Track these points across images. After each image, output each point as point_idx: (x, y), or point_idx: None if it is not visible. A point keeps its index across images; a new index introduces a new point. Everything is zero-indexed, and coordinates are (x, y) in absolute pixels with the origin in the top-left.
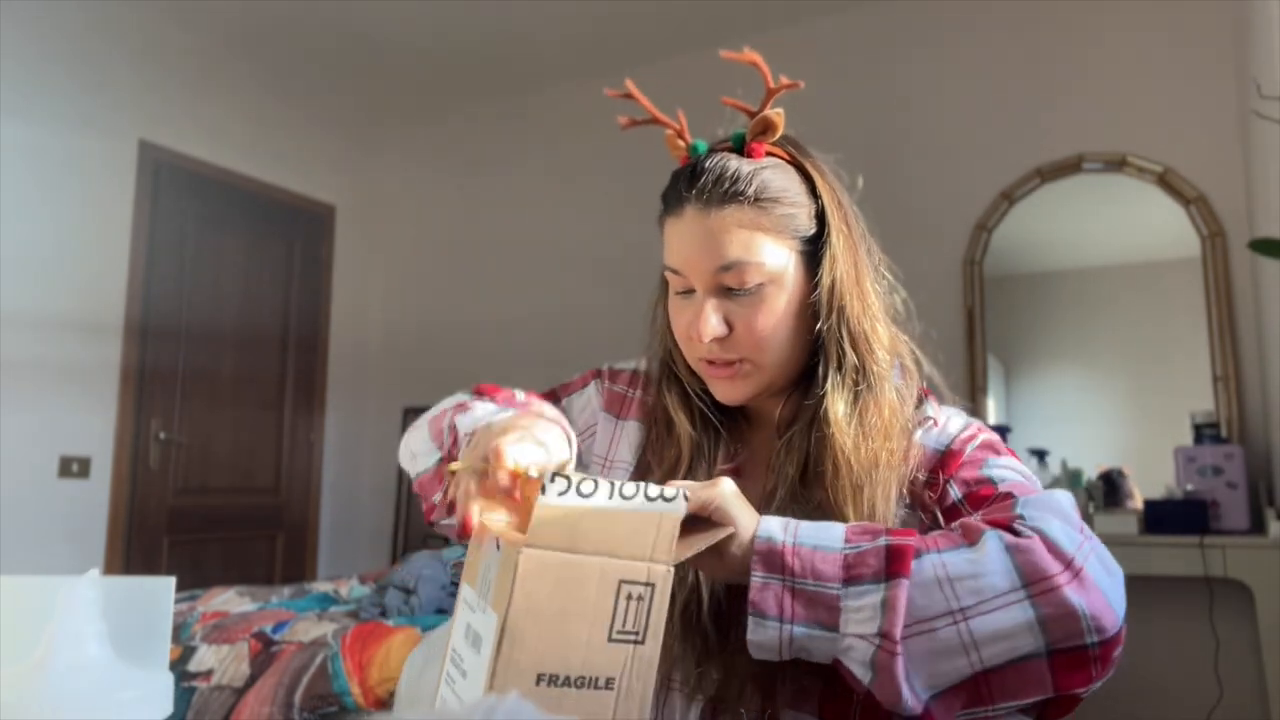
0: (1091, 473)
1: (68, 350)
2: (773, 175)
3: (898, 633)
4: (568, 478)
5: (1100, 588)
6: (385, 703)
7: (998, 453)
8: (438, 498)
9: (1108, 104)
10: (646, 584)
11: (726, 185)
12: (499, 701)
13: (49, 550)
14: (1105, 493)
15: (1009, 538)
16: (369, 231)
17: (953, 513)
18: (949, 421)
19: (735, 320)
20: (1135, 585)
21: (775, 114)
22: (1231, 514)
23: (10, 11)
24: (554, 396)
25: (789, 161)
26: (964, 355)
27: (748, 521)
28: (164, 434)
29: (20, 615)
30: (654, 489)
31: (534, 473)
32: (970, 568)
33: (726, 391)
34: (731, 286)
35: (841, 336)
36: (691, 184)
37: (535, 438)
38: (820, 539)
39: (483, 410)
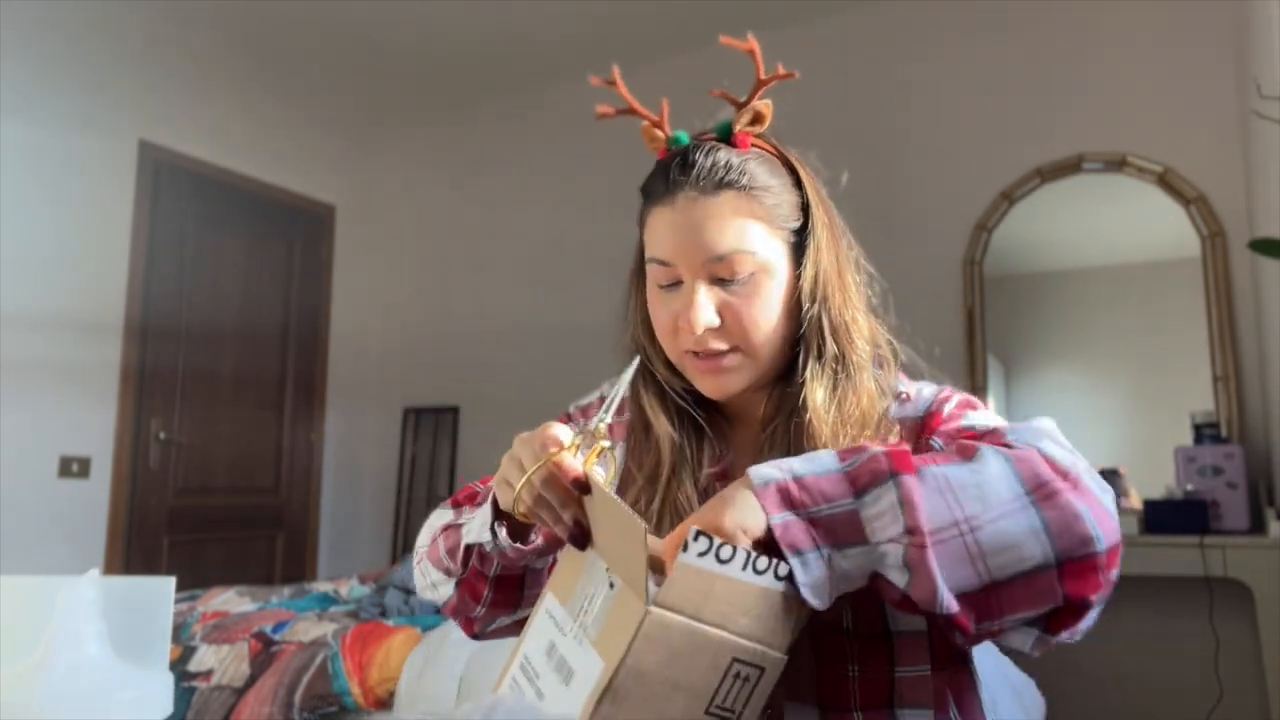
0: None
1: (68, 350)
2: (761, 165)
3: (923, 524)
4: (710, 539)
5: (1098, 497)
6: (385, 703)
7: (975, 408)
8: (480, 610)
9: (1108, 104)
10: (758, 666)
11: (720, 174)
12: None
13: (49, 550)
14: None
15: (1005, 450)
16: (369, 231)
17: None
18: (921, 391)
19: (726, 310)
20: (1135, 585)
21: (765, 105)
22: (1231, 514)
23: (10, 11)
24: None
25: (773, 153)
26: (964, 355)
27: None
28: (164, 434)
29: (20, 615)
30: (784, 567)
31: (603, 427)
32: (972, 477)
33: (715, 385)
34: (723, 276)
35: (823, 327)
36: (685, 171)
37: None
38: (814, 467)
39: (480, 512)
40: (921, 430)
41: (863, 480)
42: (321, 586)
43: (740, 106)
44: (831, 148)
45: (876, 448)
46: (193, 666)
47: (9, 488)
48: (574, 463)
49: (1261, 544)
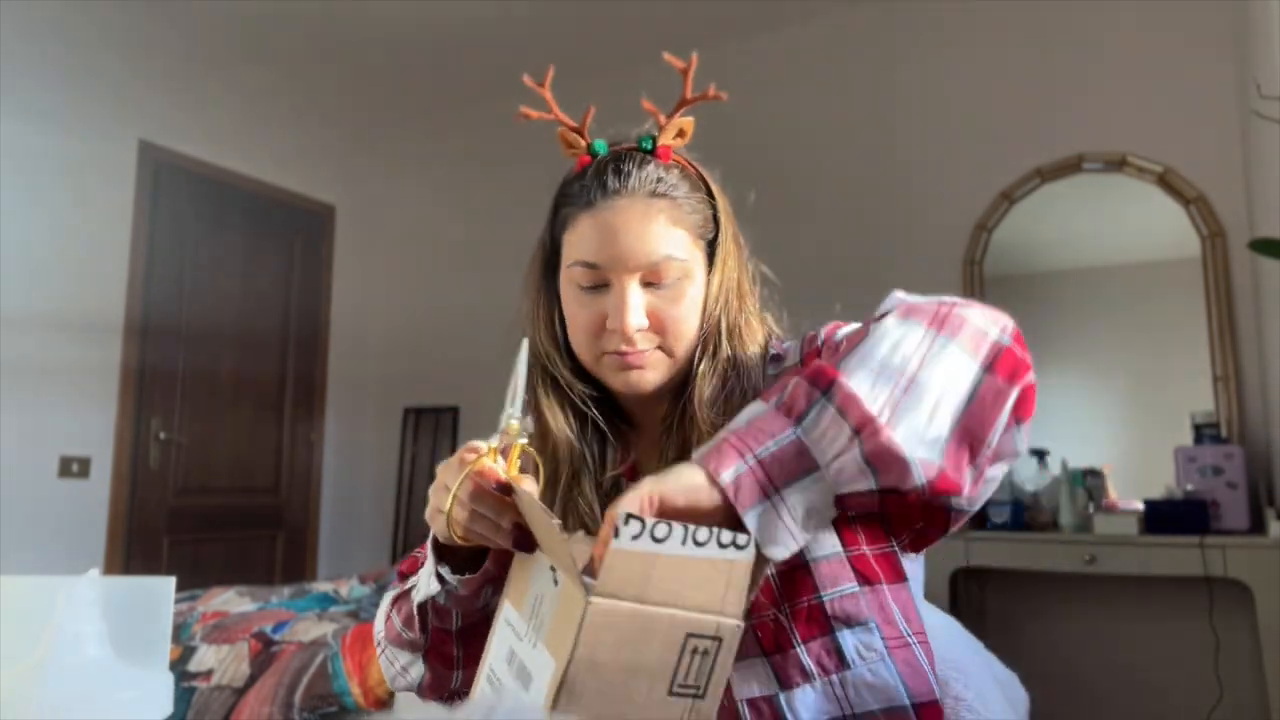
0: None
1: (68, 350)
2: (684, 179)
3: (869, 411)
4: (641, 520)
5: (974, 304)
6: (385, 703)
7: (841, 326)
8: (457, 678)
9: (1108, 104)
10: (714, 638)
11: (653, 184)
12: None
13: (49, 550)
14: None
15: (885, 316)
16: (369, 231)
17: None
18: (788, 346)
19: (652, 313)
20: (1135, 585)
21: (688, 122)
22: (1231, 514)
23: (10, 12)
24: None
25: (690, 168)
26: None
27: (687, 473)
28: (164, 434)
29: (20, 615)
30: (726, 535)
31: (515, 424)
32: (881, 345)
33: (634, 379)
34: (651, 281)
35: (721, 329)
36: (619, 179)
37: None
38: (746, 416)
39: (423, 568)
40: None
41: (798, 407)
42: (321, 586)
43: (666, 120)
44: (832, 147)
45: (794, 378)
46: (193, 666)
47: (9, 488)
48: (496, 468)
49: (1261, 544)
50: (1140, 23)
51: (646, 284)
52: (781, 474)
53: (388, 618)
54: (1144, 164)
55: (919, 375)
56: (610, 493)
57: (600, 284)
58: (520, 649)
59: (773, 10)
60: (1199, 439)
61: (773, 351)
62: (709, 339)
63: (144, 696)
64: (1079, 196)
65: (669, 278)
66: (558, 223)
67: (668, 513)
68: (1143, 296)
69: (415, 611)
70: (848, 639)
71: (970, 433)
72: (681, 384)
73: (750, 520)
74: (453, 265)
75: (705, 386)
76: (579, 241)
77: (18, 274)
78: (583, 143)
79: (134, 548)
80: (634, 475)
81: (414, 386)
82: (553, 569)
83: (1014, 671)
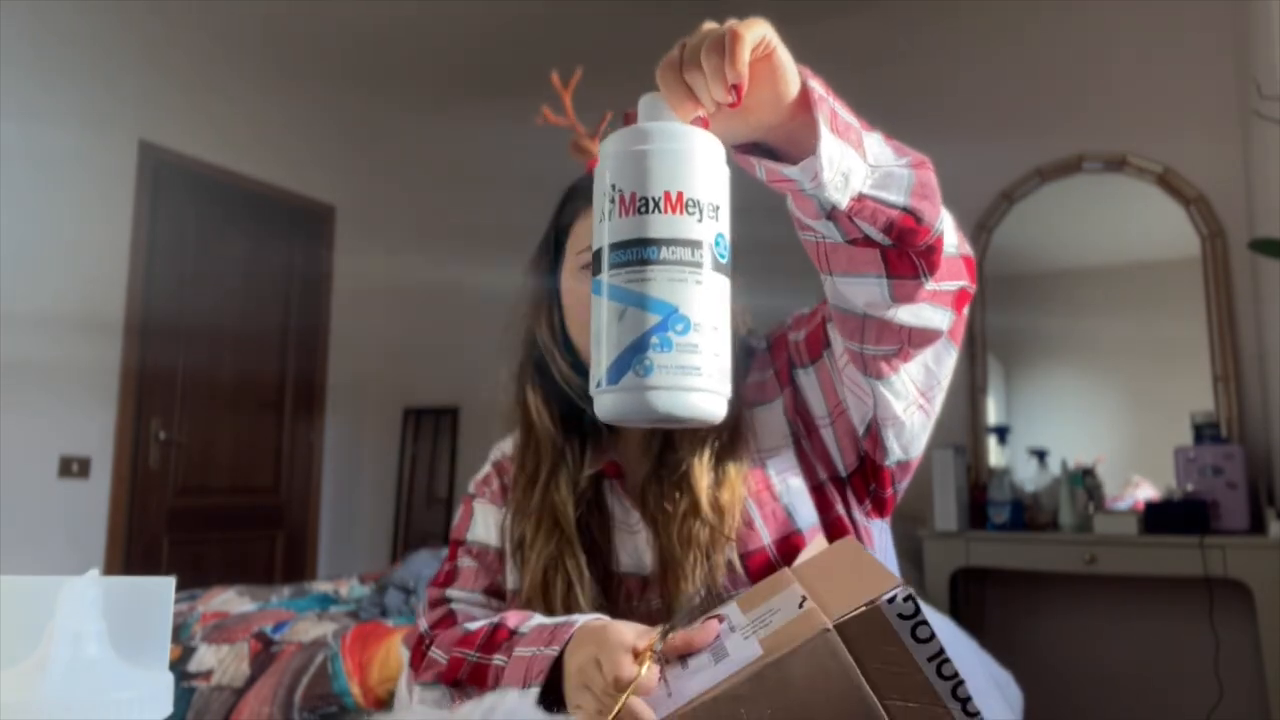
0: None
1: (68, 350)
2: None
3: (920, 158)
4: (917, 605)
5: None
6: (385, 703)
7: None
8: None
9: (1108, 104)
10: None
11: None
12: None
13: (49, 550)
14: None
15: None
16: (369, 231)
17: (813, 342)
18: (760, 337)
19: None
20: (1135, 585)
21: None
22: (1231, 514)
23: (10, 11)
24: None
25: None
26: (964, 355)
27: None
28: (164, 434)
29: (20, 615)
30: (962, 689)
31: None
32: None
33: None
34: None
35: None
36: None
37: (590, 655)
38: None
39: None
40: (774, 354)
41: (868, 128)
42: (321, 586)
43: None
44: None
45: None
46: (193, 666)
47: (9, 488)
48: (646, 677)
49: (1261, 544)
50: (1140, 23)
51: None
52: (844, 132)
53: (421, 666)
54: (1144, 164)
55: (943, 215)
56: (583, 496)
57: None
58: (729, 639)
59: (772, 11)
60: (1199, 439)
61: (747, 345)
62: None
63: (144, 696)
64: (1079, 196)
65: None
66: (564, 216)
67: (769, 67)
68: (1143, 296)
69: (452, 685)
70: None
71: (952, 266)
72: None
73: (821, 123)
74: (452, 265)
75: None
76: (589, 229)
77: (18, 274)
78: (594, 150)
79: (134, 548)
80: (616, 471)
81: (414, 386)
82: (803, 598)
83: (1012, 671)
